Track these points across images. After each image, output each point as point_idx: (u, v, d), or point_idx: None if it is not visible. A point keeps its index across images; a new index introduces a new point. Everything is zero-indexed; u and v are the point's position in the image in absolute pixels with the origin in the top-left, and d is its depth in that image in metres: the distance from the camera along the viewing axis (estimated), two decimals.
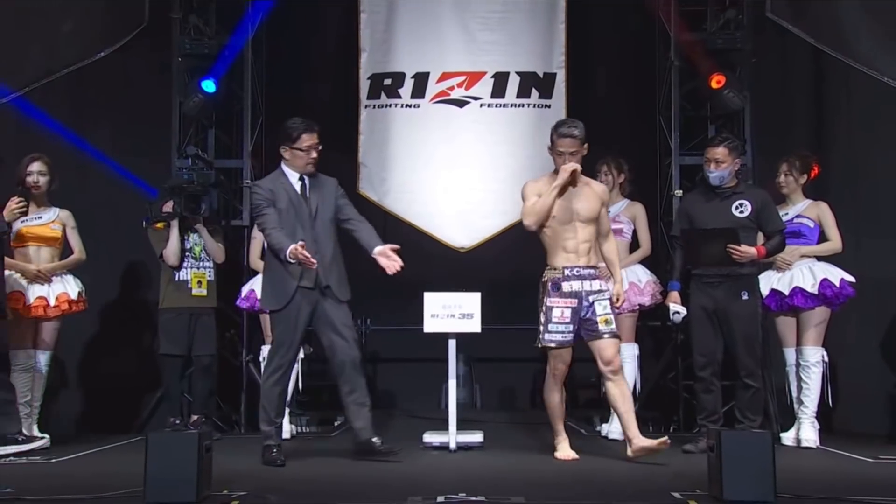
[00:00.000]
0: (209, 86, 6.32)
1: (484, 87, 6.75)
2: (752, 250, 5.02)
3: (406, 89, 6.75)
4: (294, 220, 4.71)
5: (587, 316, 4.62)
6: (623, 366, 4.96)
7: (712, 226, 5.06)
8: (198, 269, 5.74)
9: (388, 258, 4.62)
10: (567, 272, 4.62)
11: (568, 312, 4.63)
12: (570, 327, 4.63)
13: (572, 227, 4.64)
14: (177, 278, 5.74)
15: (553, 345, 4.64)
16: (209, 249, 5.78)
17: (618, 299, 4.69)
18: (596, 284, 4.65)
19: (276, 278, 4.76)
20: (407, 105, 6.76)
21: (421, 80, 6.76)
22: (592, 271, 4.66)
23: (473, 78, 6.74)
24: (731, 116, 6.45)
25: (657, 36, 6.75)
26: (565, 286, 4.63)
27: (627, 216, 5.80)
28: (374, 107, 6.80)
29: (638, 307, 5.73)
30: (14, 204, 4.90)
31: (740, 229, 5.02)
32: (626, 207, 5.84)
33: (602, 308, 4.61)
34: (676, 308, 5.15)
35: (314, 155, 4.74)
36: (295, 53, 7.05)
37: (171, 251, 5.71)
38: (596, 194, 4.71)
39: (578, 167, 4.59)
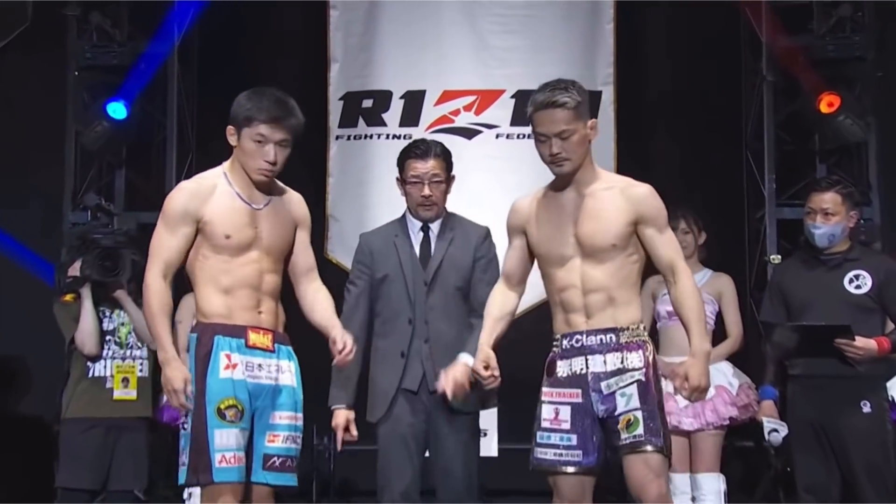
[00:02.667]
0: (118, 110, 6.32)
1: (501, 111, 6.69)
2: (872, 343, 4.87)
3: (393, 114, 6.72)
4: (401, 295, 4.61)
5: (605, 416, 3.88)
6: None
7: (816, 306, 4.98)
8: (123, 360, 5.53)
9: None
10: (566, 344, 3.92)
11: (566, 412, 3.90)
12: (571, 438, 3.91)
13: (571, 267, 3.93)
14: (91, 374, 5.48)
15: (545, 464, 3.95)
16: (140, 331, 5.51)
17: (688, 384, 3.82)
18: (614, 360, 3.88)
19: (372, 376, 4.65)
20: (394, 136, 6.69)
21: (414, 102, 6.72)
22: (608, 338, 3.91)
23: (487, 98, 6.71)
24: (847, 151, 6.45)
25: (742, 42, 6.73)
26: (560, 368, 3.92)
27: (710, 293, 5.60)
28: (349, 138, 6.80)
29: (727, 422, 5.53)
30: None
31: (856, 311, 4.94)
32: (709, 281, 5.67)
33: (625, 402, 3.84)
34: (773, 423, 5.11)
35: (426, 192, 4.61)
36: (238, 66, 6.80)
37: (85, 332, 5.39)
38: (619, 204, 3.91)
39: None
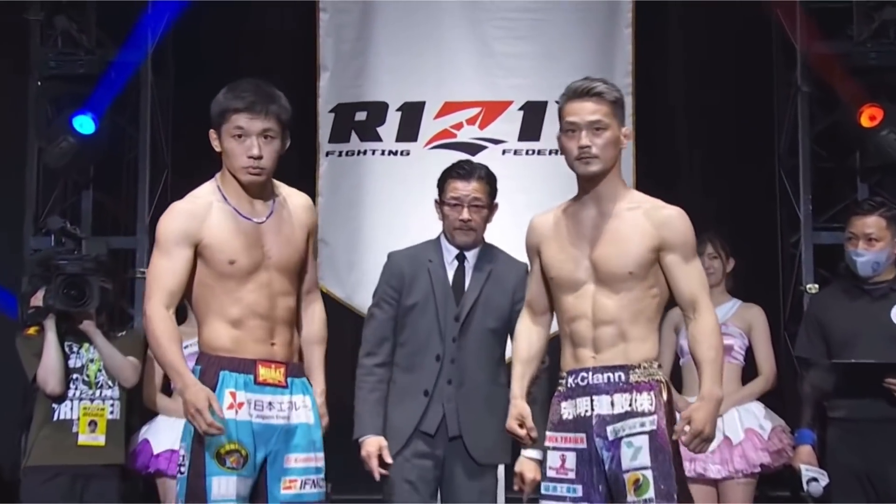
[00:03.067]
0: (86, 124, 6.22)
1: (508, 125, 6.58)
2: None
3: (389, 128, 6.62)
4: (430, 328, 4.61)
5: (611, 466, 3.82)
6: None
7: (860, 341, 4.97)
8: (91, 400, 5.46)
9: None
10: (571, 382, 3.86)
11: (572, 459, 3.86)
12: (577, 489, 3.87)
13: (583, 294, 3.88)
14: (56, 416, 5.40)
15: None
16: (111, 367, 5.46)
17: (690, 429, 3.71)
18: (622, 402, 3.82)
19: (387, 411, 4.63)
20: (390, 152, 6.63)
21: (412, 115, 6.63)
22: (617, 377, 3.84)
23: (492, 110, 6.60)
24: (892, 170, 6.30)
25: (774, 48, 6.61)
26: (565, 410, 3.88)
27: (739, 326, 5.59)
28: (341, 154, 6.69)
29: (759, 469, 5.47)
30: None
31: None
32: (737, 312, 5.63)
33: (632, 455, 3.77)
34: (812, 472, 5.00)
35: (465, 215, 4.64)
36: (218, 74, 6.28)
37: (48, 369, 5.31)
38: (642, 227, 3.84)
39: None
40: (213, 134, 3.88)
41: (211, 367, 3.77)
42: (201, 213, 3.81)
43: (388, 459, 4.46)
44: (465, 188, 4.65)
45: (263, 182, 3.85)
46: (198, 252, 3.78)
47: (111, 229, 6.48)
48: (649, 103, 6.57)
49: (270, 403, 3.81)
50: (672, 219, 3.84)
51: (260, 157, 3.80)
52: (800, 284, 6.15)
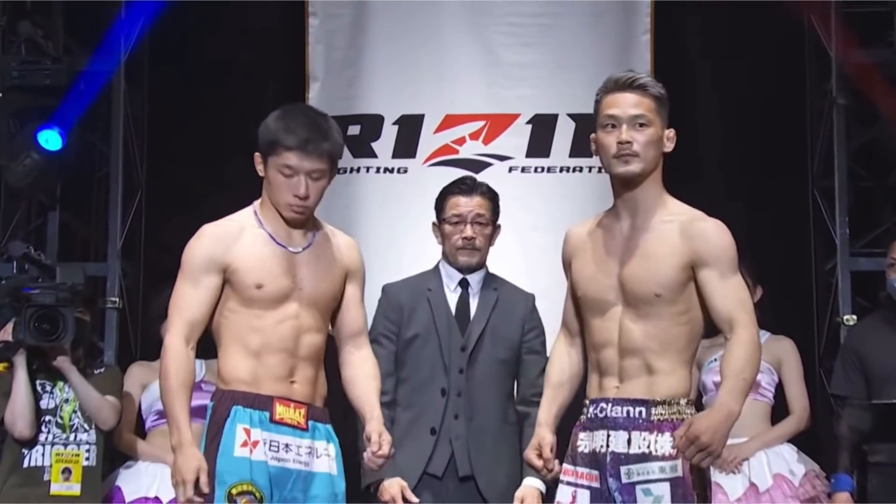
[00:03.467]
0: (52, 139, 6.15)
1: (515, 140, 6.52)
2: None
3: (385, 143, 6.57)
4: (434, 360, 4.68)
5: None
6: None
7: None
8: (65, 445, 5.39)
9: None
10: (591, 412, 3.80)
11: (582, 497, 3.79)
12: None
13: (611, 317, 3.81)
14: (26, 463, 5.37)
15: None
16: (88, 407, 5.41)
17: (687, 434, 3.55)
18: (640, 441, 3.74)
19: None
20: (386, 169, 6.58)
21: (410, 129, 6.59)
22: (637, 412, 3.76)
23: (498, 124, 6.55)
24: None
25: (807, 56, 6.59)
26: (582, 442, 3.82)
27: (768, 361, 5.49)
28: None
29: None
30: None
31: None
32: (766, 346, 5.27)
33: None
34: None
35: (469, 233, 4.72)
36: (197, 86, 6.76)
37: (16, 410, 5.31)
38: (674, 242, 3.75)
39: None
40: (258, 158, 3.87)
41: (223, 402, 3.77)
42: (232, 237, 3.84)
43: (414, 499, 4.45)
44: (468, 204, 4.69)
45: (305, 220, 3.91)
46: (226, 278, 3.80)
47: (80, 255, 6.48)
48: (670, 117, 6.33)
49: (288, 445, 3.78)
50: (707, 231, 3.73)
51: (306, 198, 3.83)
52: (836, 315, 6.11)
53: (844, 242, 6.13)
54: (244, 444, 3.68)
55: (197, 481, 3.61)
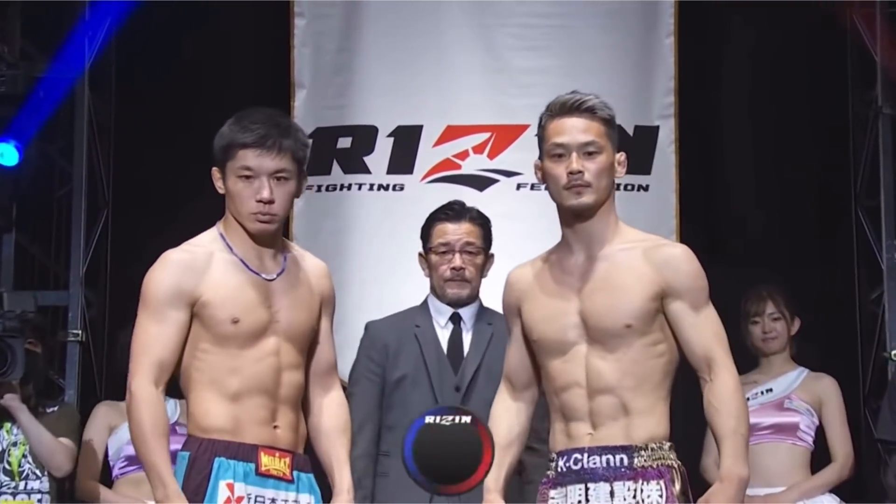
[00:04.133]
0: (8, 154, 6.14)
1: (524, 153, 6.17)
2: None
3: (379, 157, 6.53)
4: (425, 403, 4.61)
5: None
6: None
7: None
8: (13, 494, 5.47)
9: None
10: (562, 465, 3.82)
11: None
12: None
13: (574, 357, 3.82)
14: None
15: None
16: (40, 451, 5.42)
17: None
18: (624, 492, 3.77)
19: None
20: (381, 186, 6.55)
21: (407, 141, 6.56)
22: (618, 460, 3.77)
23: (504, 136, 6.50)
24: None
25: (850, 61, 6.52)
26: (554, 499, 3.84)
27: (807, 401, 5.54)
28: (320, 188, 6.63)
29: None
30: None
31: None
32: (805, 384, 5.57)
33: None
34: None
35: (458, 262, 4.75)
36: (170, 94, 6.73)
37: None
38: (639, 270, 3.80)
39: None
40: (215, 173, 3.83)
41: (203, 453, 3.70)
42: (200, 266, 3.78)
43: None
44: (456, 231, 4.70)
45: (274, 232, 3.83)
46: (194, 312, 3.75)
47: (38, 282, 6.42)
48: (696, 129, 6.53)
49: (273, 500, 3.78)
50: (675, 258, 3.77)
51: (271, 202, 3.75)
52: (882, 350, 6.07)
53: (892, 268, 6.12)
54: (227, 502, 3.67)
55: None
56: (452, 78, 6.49)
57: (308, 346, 3.95)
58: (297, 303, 3.87)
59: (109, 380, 6.12)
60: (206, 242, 3.86)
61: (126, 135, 6.61)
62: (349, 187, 6.49)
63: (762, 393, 5.41)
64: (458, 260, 4.72)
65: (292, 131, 3.86)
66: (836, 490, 5.46)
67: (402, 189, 6.45)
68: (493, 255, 4.78)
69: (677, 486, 3.74)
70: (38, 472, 5.42)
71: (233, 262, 3.82)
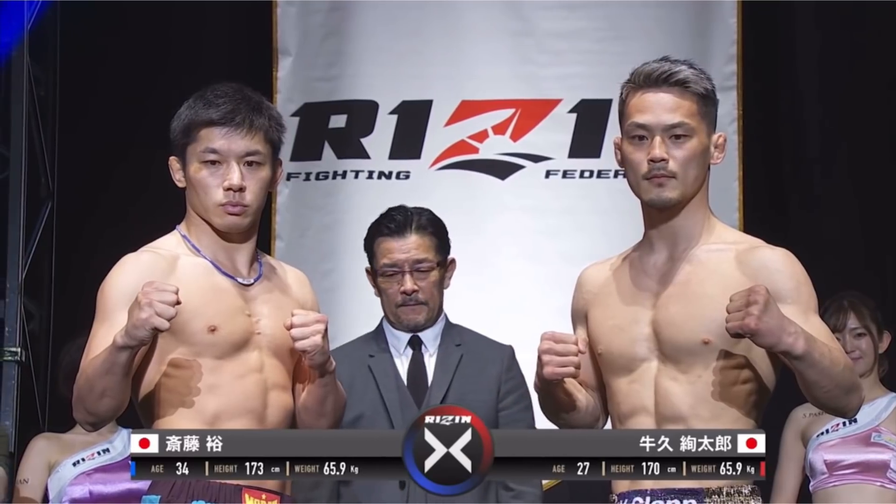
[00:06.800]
0: None
1: (555, 134, 6.45)
2: None
3: (379, 139, 6.52)
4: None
5: None
6: None
7: None
8: None
9: None
10: None
11: None
12: None
13: (642, 377, 3.80)
14: None
15: None
16: None
17: (748, 290, 3.64)
18: None
19: None
20: (381, 174, 6.54)
21: (413, 120, 6.54)
22: None
23: (531, 113, 6.50)
24: None
25: None
26: None
27: None
28: (308, 176, 6.63)
29: None
30: None
31: None
32: None
33: None
34: None
35: (408, 285, 4.75)
36: (128, 61, 6.63)
37: None
38: (728, 275, 3.75)
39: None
40: (173, 162, 3.76)
41: (177, 496, 3.63)
42: (164, 268, 3.72)
43: None
44: (402, 248, 4.71)
45: (247, 228, 3.74)
46: None
47: None
48: (763, 104, 6.44)
49: None
50: (774, 260, 3.67)
51: (242, 189, 3.68)
52: None
53: None
54: None
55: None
56: (468, 44, 6.46)
57: (293, 364, 3.87)
58: (280, 313, 3.79)
59: (53, 406, 6.06)
60: (169, 246, 3.80)
61: (73, 113, 6.56)
62: (343, 175, 6.46)
63: (844, 424, 5.26)
64: (408, 283, 4.72)
65: (265, 108, 3.78)
66: None
67: (407, 177, 6.45)
68: (453, 260, 4.76)
69: None
70: None
71: (202, 264, 3.77)
